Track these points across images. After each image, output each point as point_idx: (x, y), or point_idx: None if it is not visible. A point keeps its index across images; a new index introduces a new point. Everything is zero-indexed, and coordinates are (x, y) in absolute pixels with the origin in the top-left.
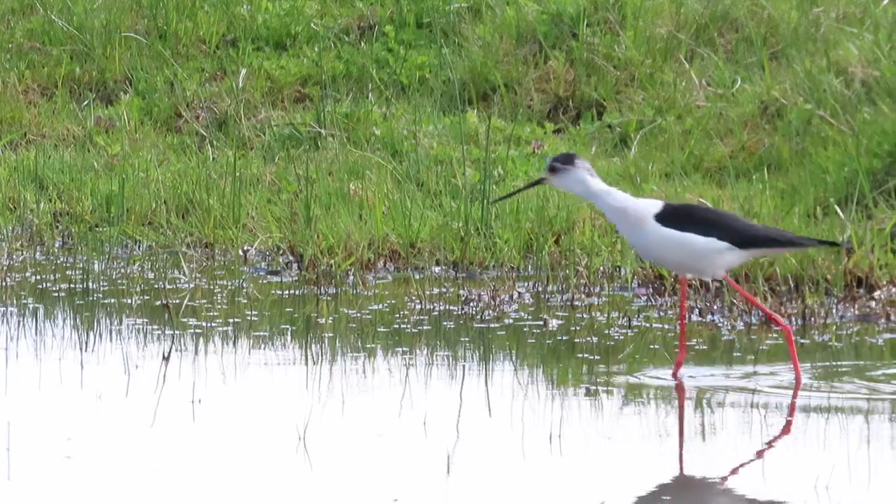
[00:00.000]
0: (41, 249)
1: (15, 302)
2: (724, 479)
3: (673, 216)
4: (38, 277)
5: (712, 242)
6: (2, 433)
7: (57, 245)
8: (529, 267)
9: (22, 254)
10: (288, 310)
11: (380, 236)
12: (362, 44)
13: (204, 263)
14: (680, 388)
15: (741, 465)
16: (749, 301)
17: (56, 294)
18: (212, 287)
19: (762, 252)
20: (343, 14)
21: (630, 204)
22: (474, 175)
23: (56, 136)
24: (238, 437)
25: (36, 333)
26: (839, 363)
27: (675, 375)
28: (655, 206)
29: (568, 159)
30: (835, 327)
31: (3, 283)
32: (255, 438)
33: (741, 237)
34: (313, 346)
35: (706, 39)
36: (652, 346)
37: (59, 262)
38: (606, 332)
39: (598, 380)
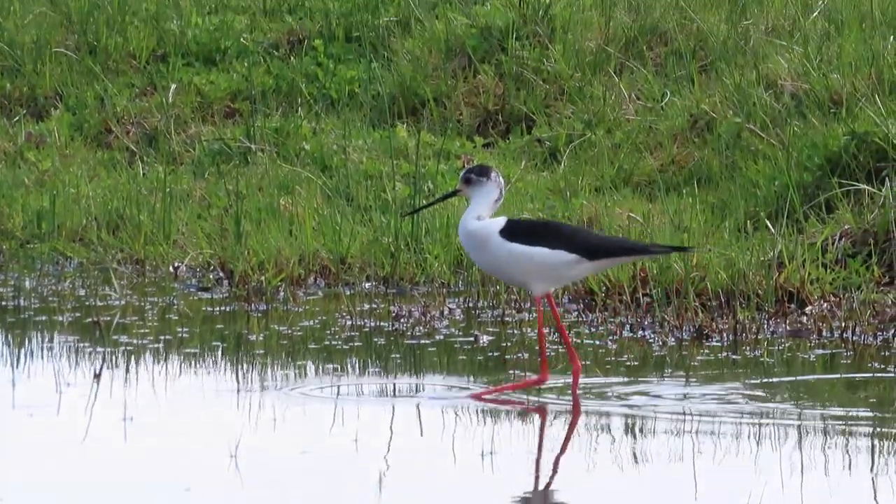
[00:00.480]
0: None
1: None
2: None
3: (518, 231)
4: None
5: (561, 255)
6: None
7: None
8: (460, 283)
9: None
10: (219, 326)
11: (310, 252)
12: (292, 58)
13: (135, 280)
14: (576, 407)
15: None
16: (559, 330)
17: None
18: (143, 304)
19: (611, 262)
20: (272, 29)
21: (478, 226)
22: (404, 189)
23: None
24: (170, 454)
25: (6, 366)
26: (770, 379)
27: (542, 380)
28: (499, 222)
29: (483, 171)
30: (766, 343)
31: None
32: (187, 456)
33: (591, 248)
34: (244, 362)
35: (635, 53)
36: (584, 363)
37: None
38: (536, 347)
39: (531, 397)
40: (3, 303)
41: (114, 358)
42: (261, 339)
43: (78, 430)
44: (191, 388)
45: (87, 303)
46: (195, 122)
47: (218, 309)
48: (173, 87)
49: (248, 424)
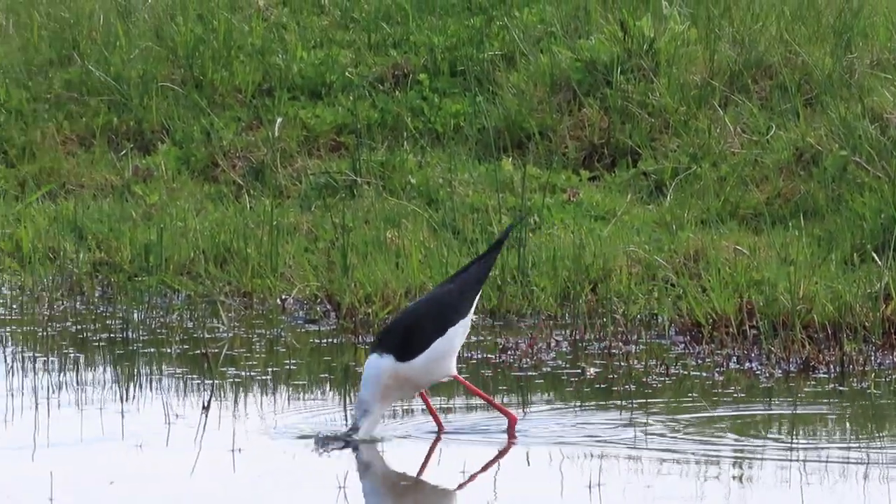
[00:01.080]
0: (81, 299)
1: (56, 352)
2: None
3: (404, 348)
4: (79, 327)
5: (455, 330)
6: (44, 483)
7: (97, 295)
8: (566, 315)
9: (62, 303)
10: (326, 358)
11: (417, 284)
12: (397, 92)
13: (242, 312)
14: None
15: None
16: (476, 394)
17: (96, 344)
18: (250, 336)
19: (477, 295)
20: (377, 63)
21: (380, 380)
22: (509, 222)
23: (94, 186)
24: (278, 486)
25: (77, 383)
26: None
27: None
28: (385, 359)
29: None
30: (873, 374)
31: (45, 333)
32: (296, 487)
33: (462, 305)
34: (352, 394)
35: (740, 86)
36: (690, 395)
37: (98, 311)
38: (644, 379)
39: (638, 427)
40: (112, 335)
41: (222, 390)
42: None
43: (187, 462)
44: (298, 419)
45: (195, 335)
46: (301, 156)
47: (325, 341)
48: (279, 120)
49: (356, 457)
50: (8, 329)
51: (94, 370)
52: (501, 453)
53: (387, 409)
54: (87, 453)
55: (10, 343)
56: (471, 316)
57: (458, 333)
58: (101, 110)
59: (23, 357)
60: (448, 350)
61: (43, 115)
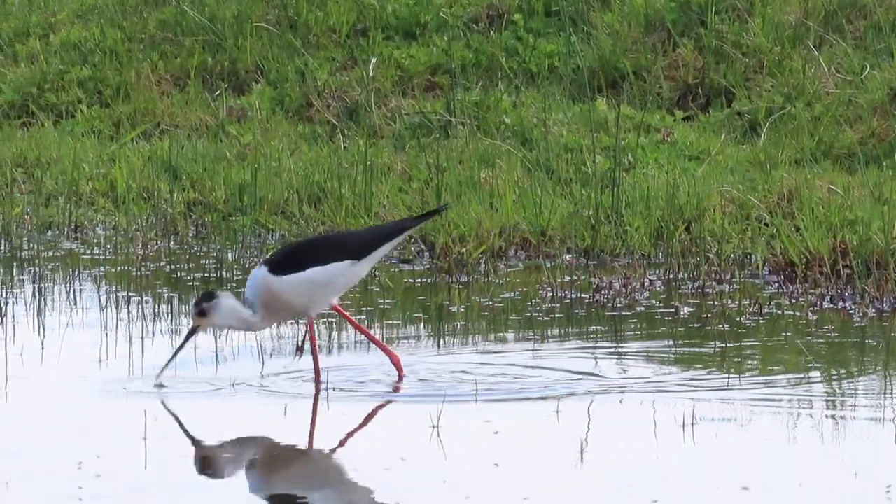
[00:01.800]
0: (175, 239)
1: (150, 292)
2: None
3: (283, 264)
4: (173, 267)
5: (337, 266)
6: (139, 421)
7: (191, 234)
8: (660, 254)
9: (156, 243)
10: (420, 298)
11: (511, 224)
12: (491, 32)
13: None
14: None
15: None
16: (360, 330)
17: (190, 283)
18: None
19: (380, 252)
20: (472, 3)
21: (253, 298)
22: (604, 163)
23: (189, 126)
24: (372, 424)
25: (171, 323)
26: None
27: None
28: (260, 269)
29: (208, 296)
30: None
31: (139, 273)
32: (391, 426)
33: (355, 249)
34: (445, 334)
35: (835, 26)
36: (783, 334)
37: (192, 251)
38: (737, 319)
39: (731, 367)
40: (206, 275)
41: (316, 330)
42: (462, 310)
43: (282, 403)
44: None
45: None
46: (395, 96)
47: (419, 281)
48: (373, 61)
49: (449, 395)
50: (102, 269)
51: (188, 308)
52: (598, 393)
53: (271, 322)
54: (180, 393)
55: (104, 283)
56: (365, 267)
57: (342, 273)
58: (195, 50)
59: (117, 297)
60: (323, 282)
61: (138, 55)
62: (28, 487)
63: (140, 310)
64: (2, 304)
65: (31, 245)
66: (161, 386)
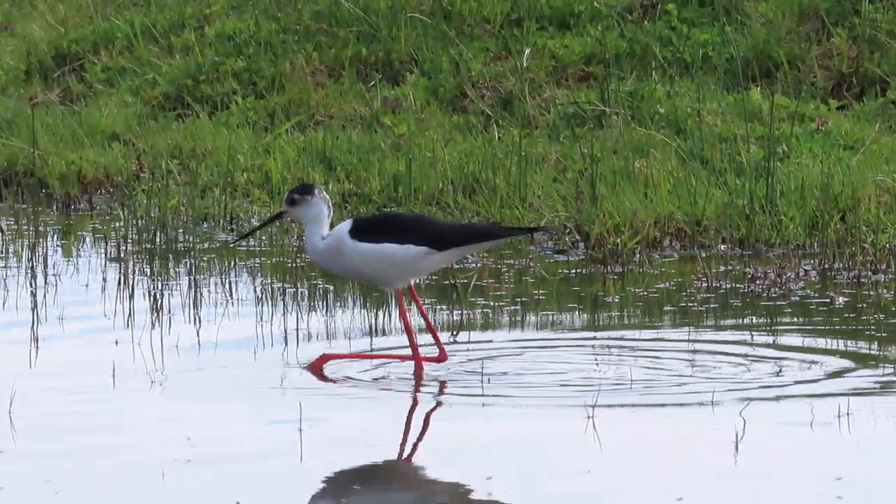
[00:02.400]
0: None
1: (306, 283)
2: None
3: (366, 230)
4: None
5: (410, 249)
6: (294, 410)
7: None
8: (815, 244)
9: None
10: (574, 288)
11: (665, 214)
12: (645, 22)
13: None
14: None
15: None
16: (422, 315)
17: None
18: (499, 266)
19: (462, 250)
20: None
21: (328, 241)
22: (758, 152)
23: (343, 117)
24: (525, 408)
25: (326, 314)
26: None
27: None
28: (345, 225)
29: (306, 189)
30: None
31: (294, 265)
32: (545, 415)
33: (438, 239)
34: (600, 324)
35: None
36: None
37: None
38: (893, 309)
39: (885, 358)
40: None
41: (471, 320)
42: (616, 300)
43: (433, 401)
44: (546, 346)
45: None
46: (549, 86)
47: (574, 271)
48: (527, 51)
49: (606, 383)
50: (258, 260)
51: (343, 301)
52: (752, 388)
53: (328, 264)
54: (333, 383)
55: (259, 274)
56: (443, 259)
57: (416, 258)
58: (350, 41)
59: (272, 288)
60: (393, 262)
61: (292, 46)
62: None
63: (295, 301)
64: (158, 296)
65: (187, 237)
66: (233, 246)
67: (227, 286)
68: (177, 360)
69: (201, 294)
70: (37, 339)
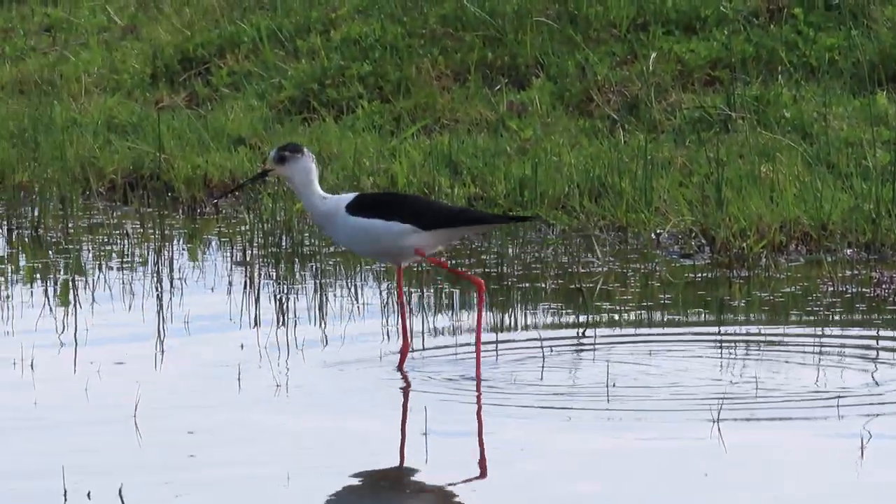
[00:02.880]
0: None
1: (430, 286)
2: None
3: (361, 205)
4: (454, 262)
5: (394, 226)
6: (419, 413)
7: None
8: None
9: None
10: (700, 293)
11: (791, 219)
12: (771, 26)
13: (616, 247)
14: None
15: None
16: (438, 264)
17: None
18: (624, 270)
19: (451, 233)
20: None
21: (330, 205)
22: (884, 156)
23: (469, 121)
24: (650, 417)
25: (451, 318)
26: None
27: (399, 368)
28: (347, 198)
29: (296, 148)
30: None
31: (419, 268)
32: (669, 420)
33: (424, 219)
34: (726, 328)
35: None
36: None
37: (473, 246)
38: None
39: None
40: (487, 270)
41: (597, 324)
42: (742, 304)
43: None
44: (672, 353)
45: (569, 269)
46: (675, 90)
47: (699, 275)
48: (653, 55)
49: (730, 387)
50: (382, 265)
51: (468, 305)
52: (878, 395)
53: (325, 223)
54: (456, 385)
55: (384, 278)
56: (429, 239)
57: (399, 235)
58: (475, 45)
59: (392, 292)
60: (378, 237)
61: (418, 50)
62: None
63: (421, 305)
64: (283, 300)
65: (313, 241)
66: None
67: (352, 290)
68: (302, 363)
69: (326, 298)
70: (162, 343)
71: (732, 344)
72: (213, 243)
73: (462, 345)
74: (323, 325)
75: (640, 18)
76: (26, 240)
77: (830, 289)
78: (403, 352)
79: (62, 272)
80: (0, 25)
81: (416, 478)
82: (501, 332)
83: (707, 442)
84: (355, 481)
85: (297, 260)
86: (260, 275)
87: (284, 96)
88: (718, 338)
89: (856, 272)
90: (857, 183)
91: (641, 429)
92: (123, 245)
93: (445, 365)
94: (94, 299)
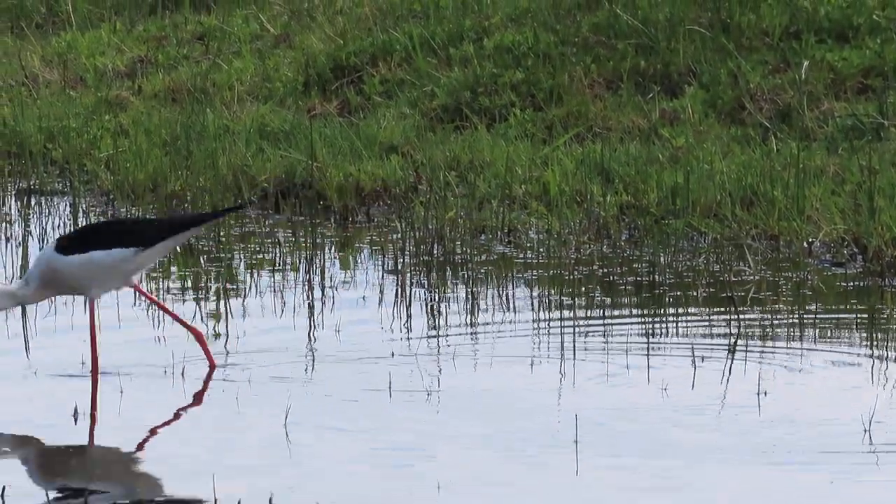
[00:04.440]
0: (608, 242)
1: (582, 294)
2: None
3: (72, 242)
4: (605, 270)
5: (118, 252)
6: (569, 423)
7: (623, 238)
8: None
9: (589, 247)
10: (852, 301)
11: None
12: None
13: (768, 255)
14: None
15: None
16: (159, 307)
17: (623, 287)
18: (776, 279)
19: (171, 242)
20: None
21: (38, 266)
22: None
23: (621, 129)
24: (801, 429)
25: (602, 326)
26: None
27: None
28: (48, 246)
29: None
30: None
31: (571, 277)
32: (821, 428)
33: (143, 237)
34: (879, 338)
35: None
36: None
37: (625, 254)
38: None
39: None
40: (639, 278)
41: (748, 333)
42: (895, 314)
43: (714, 402)
44: (823, 360)
45: (721, 278)
46: (828, 99)
47: (851, 284)
48: (806, 63)
49: (884, 399)
50: (535, 272)
51: (620, 313)
52: None
53: (45, 296)
54: (609, 394)
55: (536, 286)
56: (152, 255)
57: (126, 259)
58: (628, 53)
59: (549, 300)
60: (106, 267)
61: (570, 58)
62: None
63: (574, 313)
64: (435, 308)
65: (464, 248)
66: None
67: (504, 298)
68: (454, 372)
69: (478, 306)
70: (313, 351)
71: (886, 354)
72: (365, 252)
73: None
74: (475, 333)
75: (793, 27)
76: (178, 248)
77: None
78: None
79: (214, 281)
80: (153, 34)
81: (566, 483)
82: (652, 341)
83: (860, 446)
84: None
85: (448, 268)
86: (412, 283)
87: (437, 104)
88: (869, 350)
89: None
90: None
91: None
92: (275, 253)
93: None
94: (245, 308)
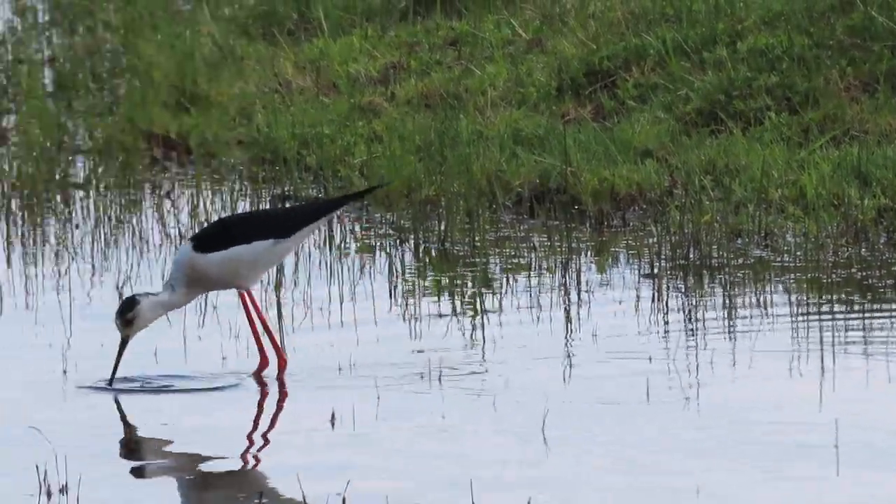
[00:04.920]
0: (866, 246)
1: (841, 300)
2: None
3: (210, 240)
4: (864, 274)
5: (259, 245)
6: (829, 430)
7: (881, 241)
8: None
9: (846, 250)
10: None
11: None
12: None
13: None
14: None
15: None
16: (259, 320)
17: (882, 290)
18: None
19: (308, 229)
20: None
21: (179, 269)
22: None
23: (878, 132)
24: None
25: (864, 332)
26: None
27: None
28: (185, 248)
29: (130, 304)
30: None
31: (829, 280)
32: None
33: (282, 227)
34: None
35: None
36: None
37: (884, 258)
38: None
39: None
40: None
41: None
42: None
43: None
44: None
45: None
46: None
47: None
48: None
49: None
50: (792, 276)
51: (881, 316)
52: None
53: (192, 297)
54: (873, 400)
55: (794, 291)
56: (292, 244)
57: (268, 251)
58: (884, 56)
59: (807, 304)
60: (248, 262)
61: (825, 61)
62: None
63: (832, 317)
64: (692, 313)
65: (721, 252)
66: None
67: (761, 303)
68: (711, 379)
69: (736, 311)
70: (570, 357)
71: None
72: (621, 256)
73: None
74: (732, 337)
75: None
76: (433, 253)
77: None
78: None
79: (469, 285)
80: (405, 40)
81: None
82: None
83: None
84: None
85: (705, 272)
86: (668, 287)
87: (691, 108)
88: None
89: None
90: None
91: None
92: (531, 258)
93: None
94: (501, 312)
